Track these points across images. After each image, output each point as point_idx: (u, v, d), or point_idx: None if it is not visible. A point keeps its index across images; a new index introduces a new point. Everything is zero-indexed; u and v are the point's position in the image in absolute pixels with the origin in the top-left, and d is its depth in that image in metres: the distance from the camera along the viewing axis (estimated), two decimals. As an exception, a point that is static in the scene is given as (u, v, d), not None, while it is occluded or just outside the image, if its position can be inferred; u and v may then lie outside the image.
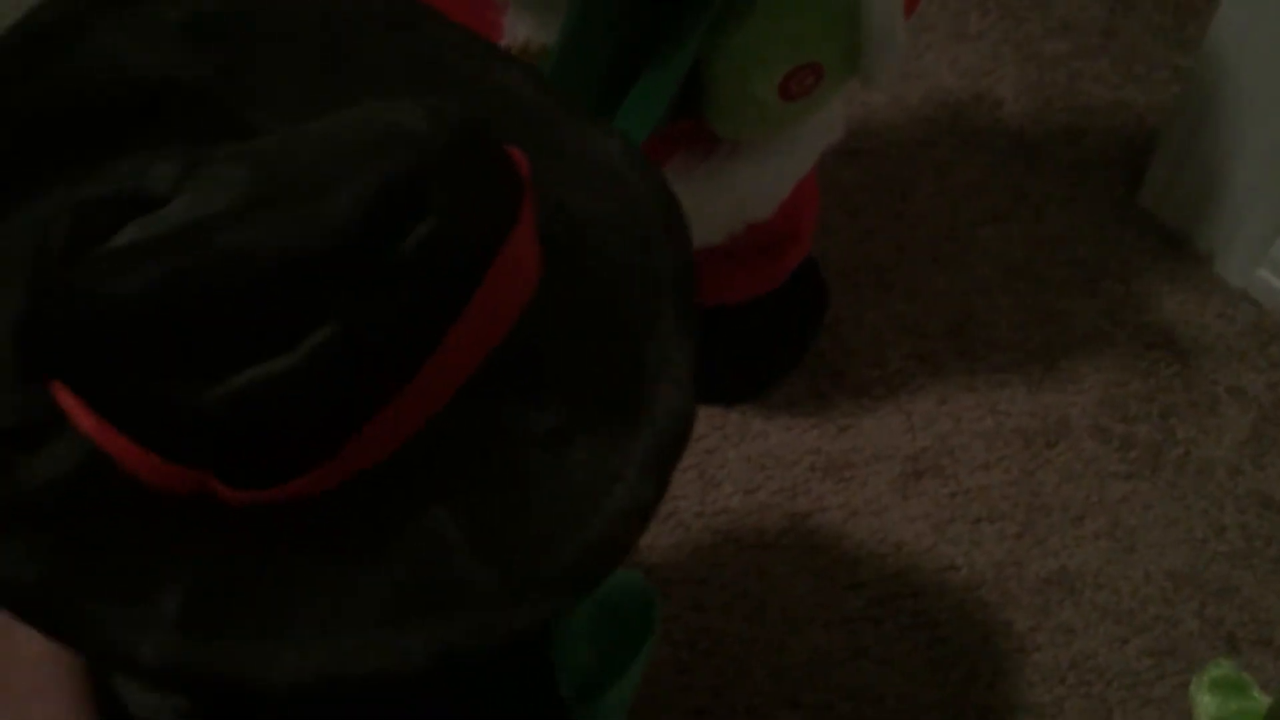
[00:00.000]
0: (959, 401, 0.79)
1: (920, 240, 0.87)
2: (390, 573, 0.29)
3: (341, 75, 0.35)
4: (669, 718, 0.67)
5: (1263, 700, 0.59)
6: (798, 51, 0.54)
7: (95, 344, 0.28)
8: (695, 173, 0.61)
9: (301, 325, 0.28)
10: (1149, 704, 0.69)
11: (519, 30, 0.55)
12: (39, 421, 0.30)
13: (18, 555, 0.29)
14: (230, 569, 0.30)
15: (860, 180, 0.90)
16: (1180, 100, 0.89)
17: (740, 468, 0.76)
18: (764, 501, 0.75)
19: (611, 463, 0.31)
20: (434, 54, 0.36)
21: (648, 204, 0.35)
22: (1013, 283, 0.85)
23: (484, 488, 0.31)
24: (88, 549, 0.29)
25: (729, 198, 0.62)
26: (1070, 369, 0.81)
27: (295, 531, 0.30)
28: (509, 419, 0.31)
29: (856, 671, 0.70)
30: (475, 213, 0.30)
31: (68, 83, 0.33)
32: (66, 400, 0.30)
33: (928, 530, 0.75)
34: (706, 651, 0.70)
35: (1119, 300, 0.85)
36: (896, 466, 0.77)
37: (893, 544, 0.74)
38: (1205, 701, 0.59)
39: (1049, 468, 0.77)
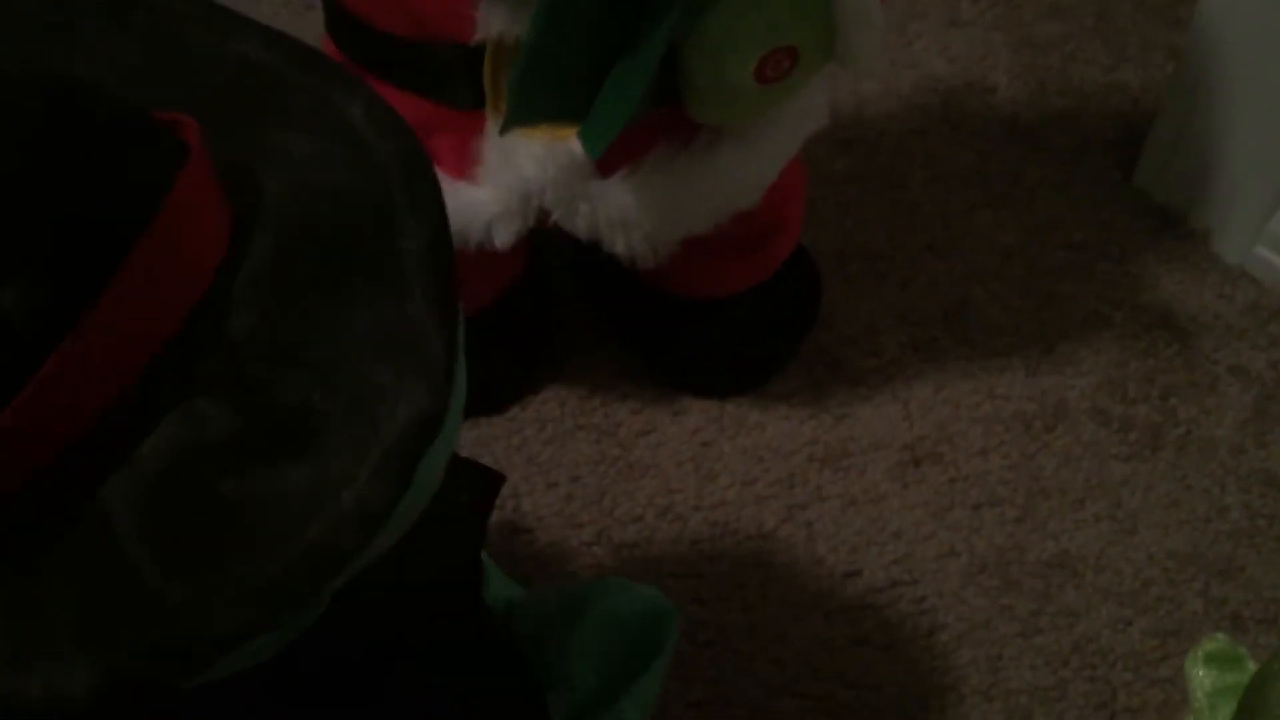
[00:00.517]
0: (956, 388, 0.79)
1: (914, 228, 0.87)
2: (59, 590, 0.28)
3: (59, 50, 0.33)
4: (669, 710, 0.67)
5: (1264, 675, 0.58)
6: (772, 34, 0.54)
7: None
8: (677, 161, 0.61)
9: None
10: (1154, 684, 0.68)
11: (492, 24, 0.55)
12: None
13: None
14: None
15: (852, 171, 0.90)
16: (1173, 79, 0.88)
17: (737, 460, 0.76)
18: (761, 493, 0.75)
19: (338, 465, 0.29)
20: (170, 30, 0.35)
21: (392, 171, 0.32)
22: (1008, 268, 0.85)
23: (174, 499, 0.29)
24: None
25: (713, 186, 0.62)
26: (1068, 352, 0.81)
27: None
28: (208, 422, 0.29)
29: (858, 659, 0.70)
30: (66, 181, 0.28)
31: None
32: None
33: (927, 518, 0.75)
34: (706, 643, 0.70)
35: (1116, 282, 0.84)
36: (894, 455, 0.77)
37: (892, 532, 0.74)
38: (1199, 675, 0.59)
39: (1048, 451, 0.77)
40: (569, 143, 0.59)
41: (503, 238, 0.62)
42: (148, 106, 0.32)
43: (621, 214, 0.61)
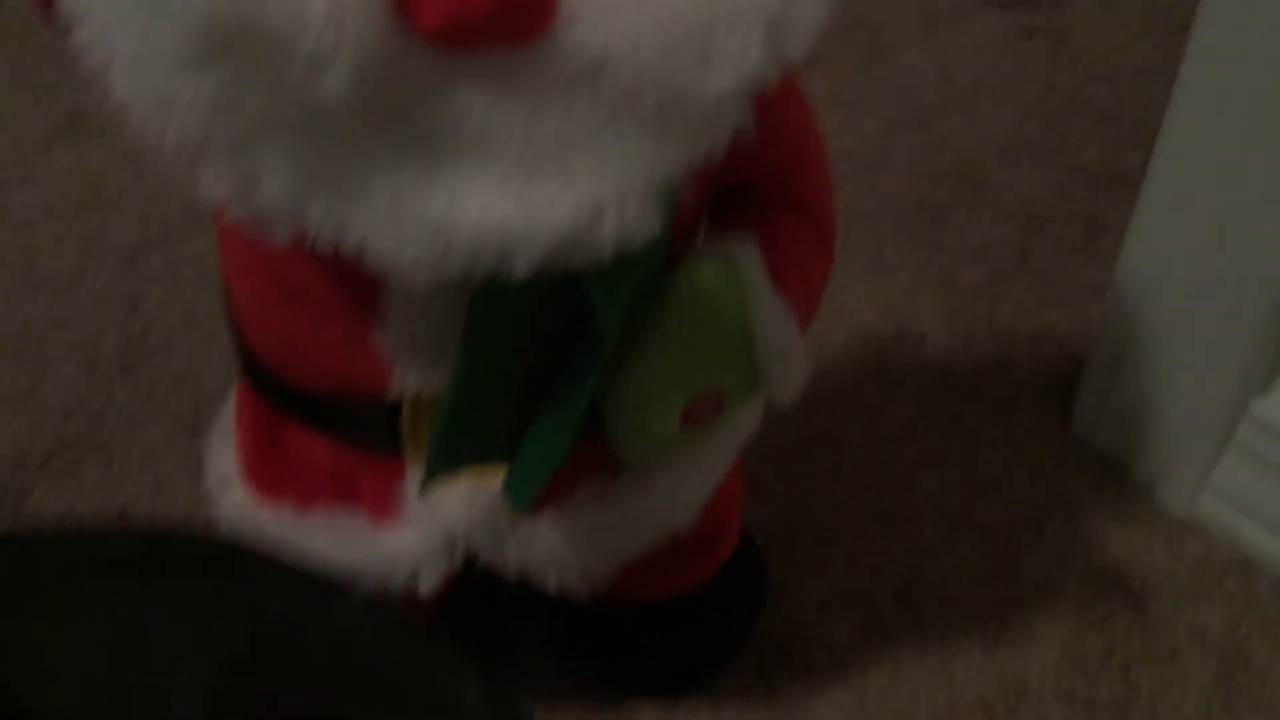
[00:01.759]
0: (913, 674, 0.76)
1: (857, 496, 0.85)
2: None
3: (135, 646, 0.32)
4: None
5: None
6: (694, 382, 0.52)
7: None
8: (607, 496, 0.59)
9: None
10: None
11: (408, 381, 0.53)
12: None
13: None
14: None
15: (790, 437, 0.88)
16: (1101, 325, 0.88)
17: (691, 769, 0.72)
18: (719, 806, 0.71)
19: None
20: (256, 594, 0.33)
21: None
22: (956, 537, 0.83)
23: None
24: None
25: (646, 515, 0.60)
26: (1025, 625, 0.78)
27: None
28: None
29: None
30: None
31: None
32: None
33: (894, 822, 0.71)
34: None
35: (1065, 544, 0.83)
36: (855, 750, 0.73)
37: (859, 841, 0.70)
38: None
39: (1014, 738, 0.73)
40: (494, 482, 0.57)
41: (427, 583, 0.59)
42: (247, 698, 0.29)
43: (552, 553, 0.58)
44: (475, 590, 0.71)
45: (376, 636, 0.32)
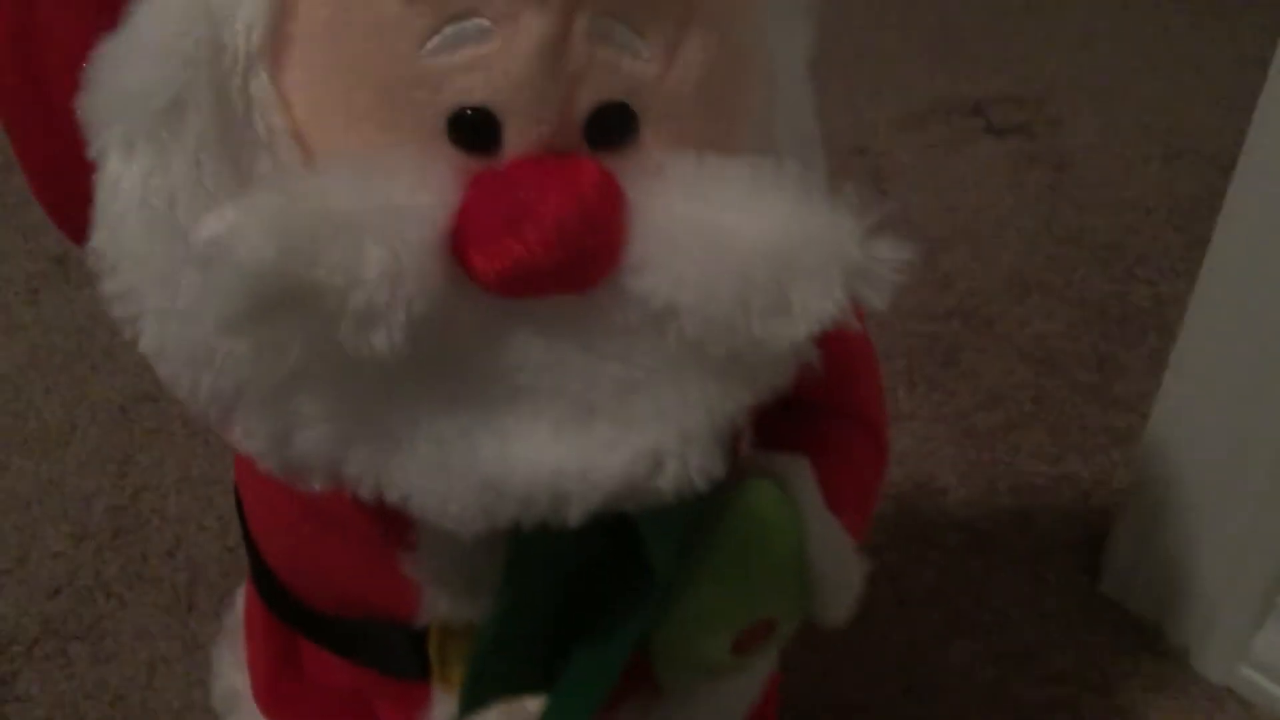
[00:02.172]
0: None
1: (886, 669, 0.82)
2: None
3: None
4: None
5: None
6: (749, 614, 0.49)
7: None
8: (649, 716, 0.55)
9: None
10: None
11: (438, 608, 0.50)
12: None
13: None
14: None
15: (814, 605, 0.85)
16: (1131, 484, 0.86)
17: None
18: None
19: None
20: None
21: None
22: (991, 710, 0.80)
23: None
24: None
25: (690, 734, 0.56)
26: (1068, 811, 0.75)
27: None
28: None
29: None
30: None
31: None
32: None
33: None
34: None
35: (1102, 717, 0.79)
36: None
37: None
38: None
39: None
40: (528, 706, 0.53)
41: (457, 818, 0.55)
42: None
43: (591, 780, 0.55)
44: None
45: None
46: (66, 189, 0.42)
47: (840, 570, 0.50)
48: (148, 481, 0.94)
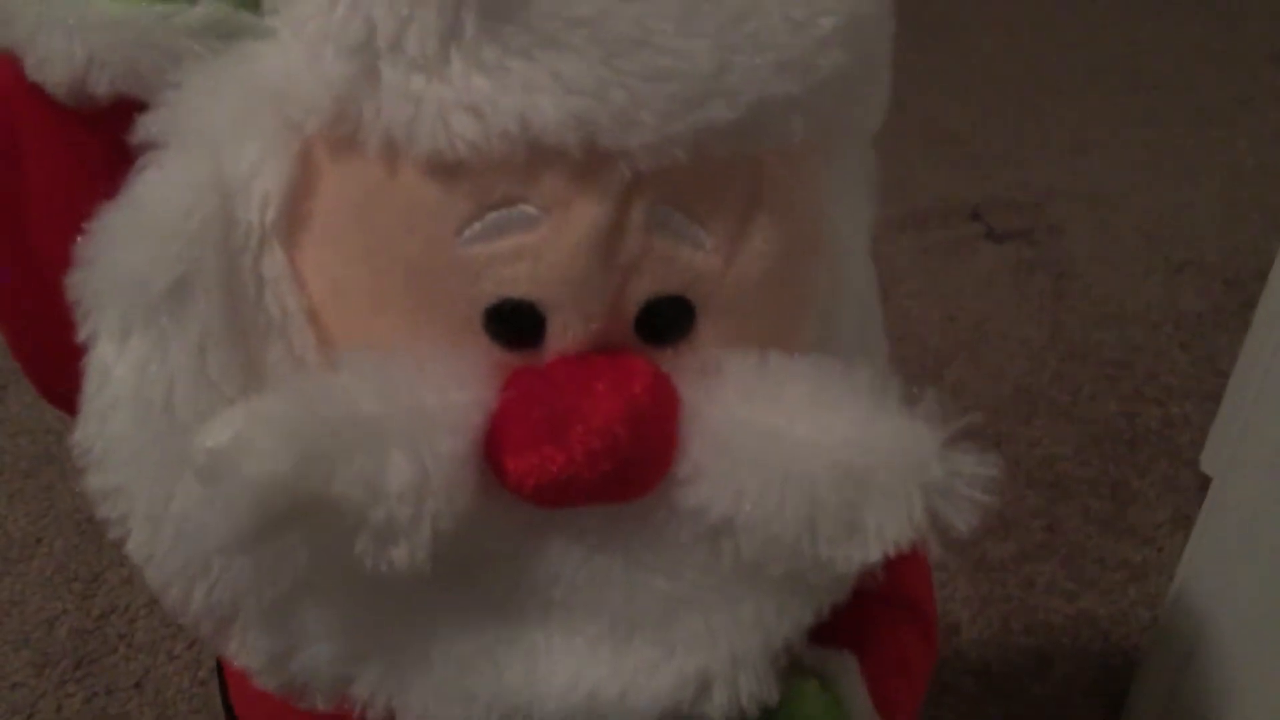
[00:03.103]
0: None
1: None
2: None
3: None
4: None
5: None
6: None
7: None
8: None
9: None
10: None
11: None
12: None
13: None
14: None
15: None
16: (1160, 635, 0.82)
17: None
18: None
19: None
20: None
21: None
22: None
23: None
24: None
25: None
26: None
27: None
28: None
29: None
30: None
31: None
32: None
33: None
34: None
35: None
36: None
37: None
38: None
39: None
40: None
41: None
42: None
43: None
44: None
45: None
46: (53, 369, 0.38)
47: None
48: (115, 602, 0.89)
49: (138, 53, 0.33)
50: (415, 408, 0.32)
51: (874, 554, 0.34)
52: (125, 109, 0.33)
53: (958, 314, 1.25)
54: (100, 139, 0.34)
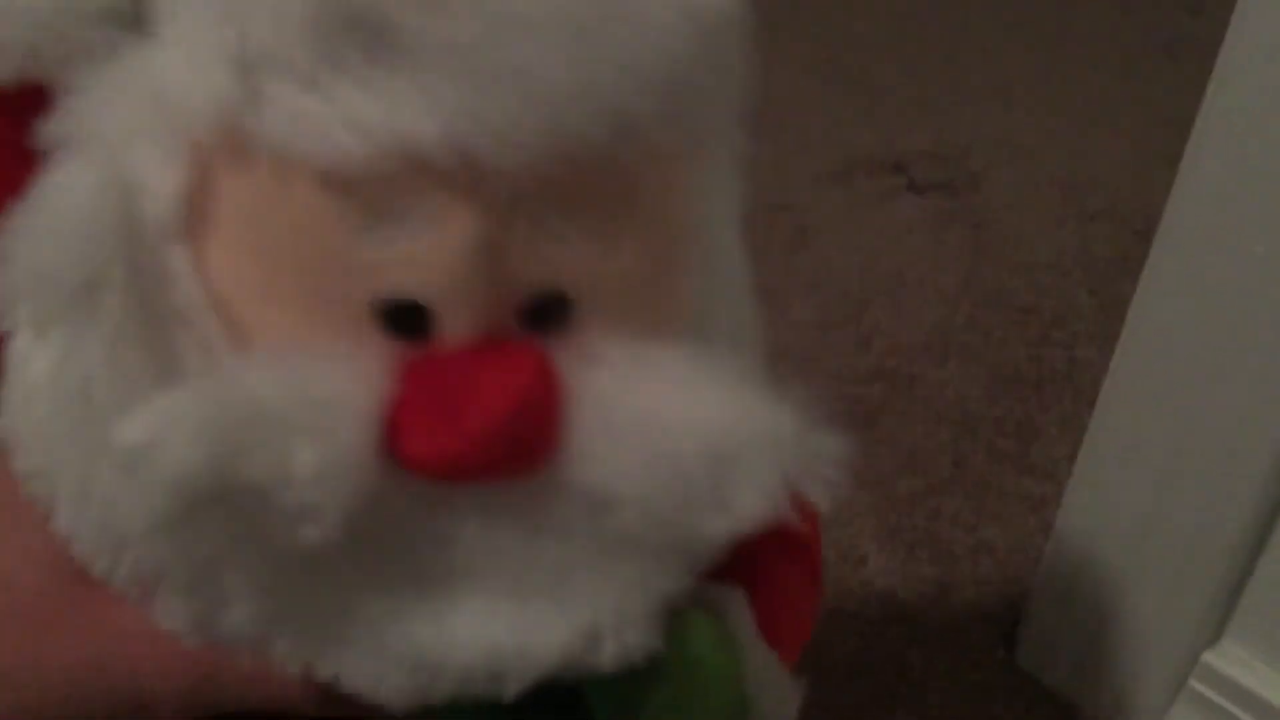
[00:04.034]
0: None
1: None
2: None
3: None
4: None
5: None
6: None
7: None
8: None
9: None
10: None
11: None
12: None
13: None
14: None
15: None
16: (1048, 558, 0.87)
17: None
18: None
19: None
20: None
21: None
22: (909, 790, 0.80)
23: None
24: None
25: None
26: None
27: None
28: None
29: None
30: None
31: None
32: None
33: None
34: None
35: (1020, 795, 0.80)
36: None
37: None
38: None
39: None
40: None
41: None
42: None
43: None
44: None
45: None
46: None
47: (779, 706, 0.50)
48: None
49: (37, 35, 0.35)
50: (318, 399, 0.34)
51: (740, 526, 0.38)
52: (33, 97, 0.35)
53: (877, 262, 1.29)
54: (8, 124, 0.36)
